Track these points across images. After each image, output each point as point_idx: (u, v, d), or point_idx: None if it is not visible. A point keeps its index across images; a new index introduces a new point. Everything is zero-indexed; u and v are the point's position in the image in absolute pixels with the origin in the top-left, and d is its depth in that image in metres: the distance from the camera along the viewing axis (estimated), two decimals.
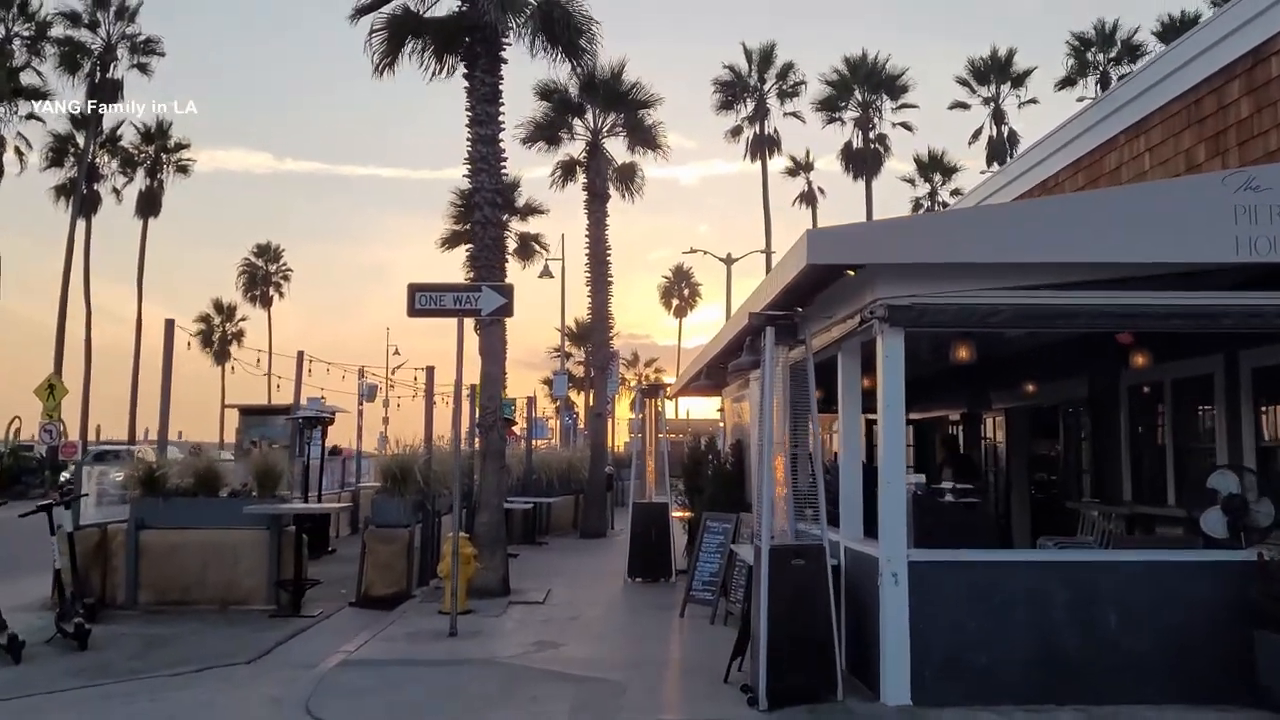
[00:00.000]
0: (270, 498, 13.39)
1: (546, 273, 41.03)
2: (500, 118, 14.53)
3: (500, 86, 14.57)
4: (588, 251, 24.12)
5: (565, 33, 15.35)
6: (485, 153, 14.25)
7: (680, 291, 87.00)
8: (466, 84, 14.60)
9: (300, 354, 19.47)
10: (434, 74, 15.44)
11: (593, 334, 24.06)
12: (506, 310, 11.16)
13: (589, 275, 24.12)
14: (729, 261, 44.52)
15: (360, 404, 26.15)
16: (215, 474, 13.39)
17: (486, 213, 14.16)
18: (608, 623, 12.06)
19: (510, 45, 14.73)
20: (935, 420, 19.70)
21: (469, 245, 14.81)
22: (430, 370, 16.06)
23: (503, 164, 14.55)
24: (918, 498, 8.06)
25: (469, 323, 12.45)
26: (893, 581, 7.63)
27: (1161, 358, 10.92)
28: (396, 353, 60.03)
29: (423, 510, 14.15)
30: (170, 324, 14.42)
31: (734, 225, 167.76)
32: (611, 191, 24.72)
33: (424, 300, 11.02)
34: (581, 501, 24.27)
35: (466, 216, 14.34)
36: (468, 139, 14.44)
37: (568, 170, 25.41)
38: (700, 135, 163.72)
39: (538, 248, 39.49)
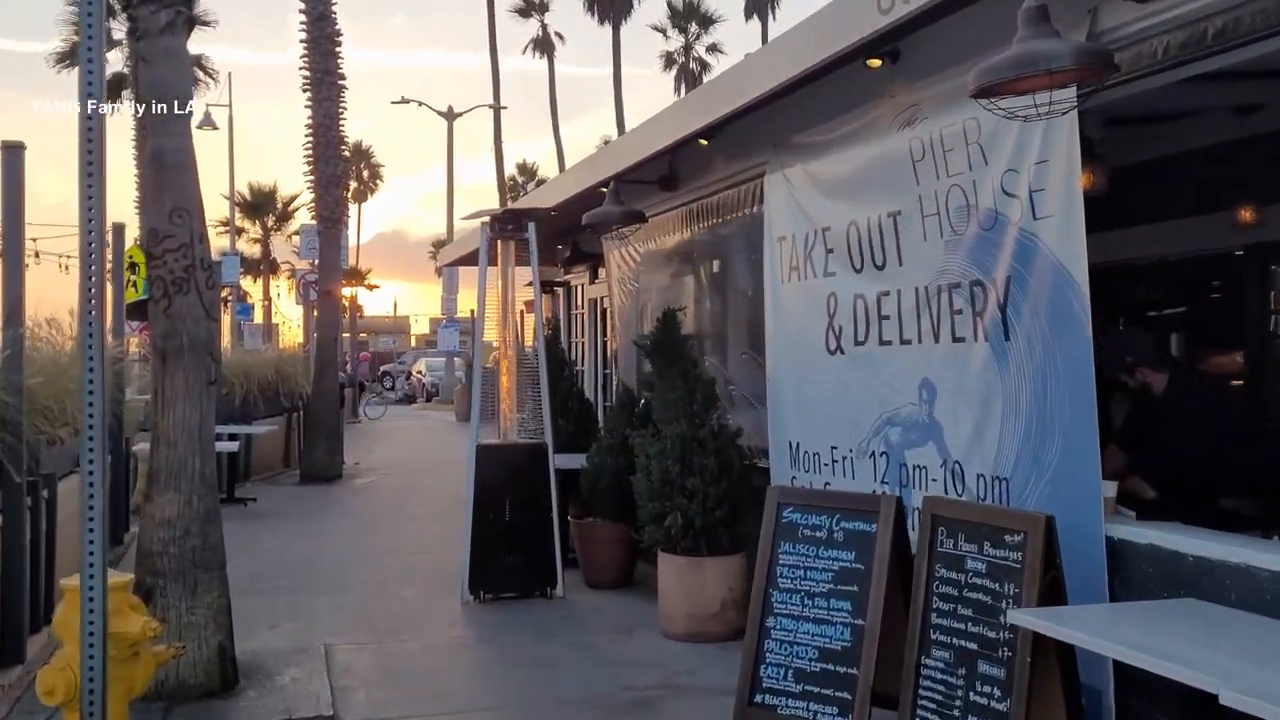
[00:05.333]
0: None
1: (209, 122, 30.87)
2: None
3: None
4: (305, 38, 15.31)
5: None
6: None
7: (360, 174, 75.18)
8: None
9: None
10: None
11: (319, 164, 15.29)
12: None
13: (308, 74, 15.31)
14: (450, 116, 36.14)
15: None
16: None
17: None
18: None
19: None
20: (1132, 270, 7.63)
21: None
22: (12, 154, 6.07)
23: None
24: None
25: None
26: None
27: None
28: None
29: (3, 484, 5.75)
30: None
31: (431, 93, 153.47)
32: None
33: None
34: (299, 426, 15.84)
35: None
36: None
37: None
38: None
39: (203, 76, 29.39)
